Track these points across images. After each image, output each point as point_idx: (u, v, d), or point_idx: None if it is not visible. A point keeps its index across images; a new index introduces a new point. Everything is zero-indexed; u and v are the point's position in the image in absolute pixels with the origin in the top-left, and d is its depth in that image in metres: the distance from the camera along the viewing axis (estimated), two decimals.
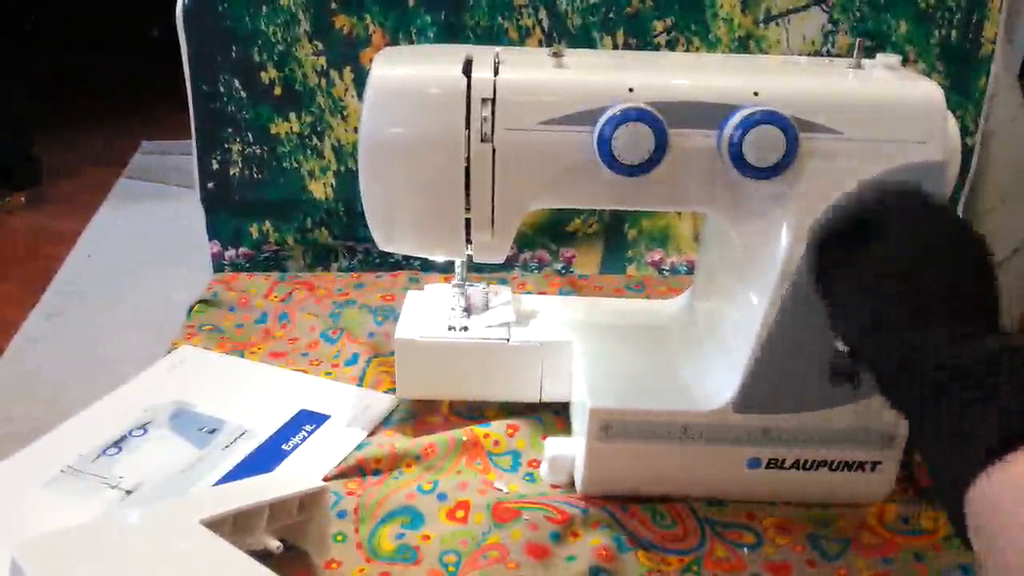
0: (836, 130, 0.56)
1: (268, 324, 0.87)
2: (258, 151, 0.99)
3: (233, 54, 0.95)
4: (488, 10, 0.95)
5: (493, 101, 0.56)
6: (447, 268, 0.98)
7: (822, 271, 0.53)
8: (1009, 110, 1.00)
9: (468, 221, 0.60)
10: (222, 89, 0.96)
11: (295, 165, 1.00)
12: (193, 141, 0.99)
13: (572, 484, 0.65)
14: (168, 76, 1.14)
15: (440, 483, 0.63)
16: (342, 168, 1.00)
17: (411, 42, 0.96)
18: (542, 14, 0.95)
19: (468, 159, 0.57)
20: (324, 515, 0.57)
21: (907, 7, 0.95)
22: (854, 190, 0.54)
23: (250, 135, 0.98)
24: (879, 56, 0.61)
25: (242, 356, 0.81)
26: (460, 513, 0.61)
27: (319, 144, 0.99)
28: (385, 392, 0.75)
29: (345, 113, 0.98)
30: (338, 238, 1.03)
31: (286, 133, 0.98)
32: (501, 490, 0.64)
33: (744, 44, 0.97)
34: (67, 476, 0.64)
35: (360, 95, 0.88)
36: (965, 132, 0.98)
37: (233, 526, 0.51)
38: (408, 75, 0.58)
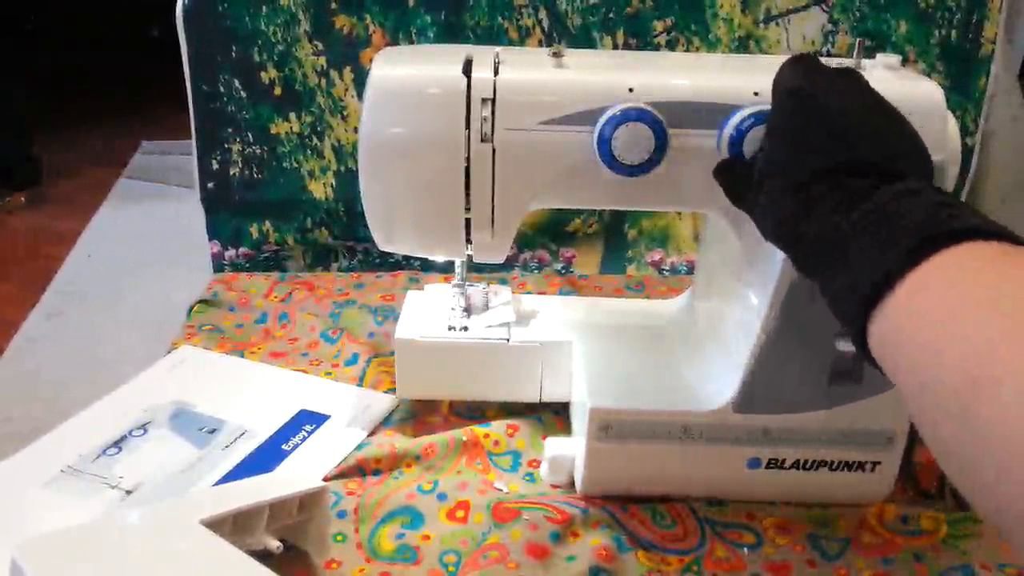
0: None
1: (268, 324, 0.87)
2: (258, 151, 0.99)
3: (233, 54, 0.95)
4: (488, 10, 0.95)
5: (493, 101, 0.56)
6: (447, 268, 0.98)
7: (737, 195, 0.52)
8: (1009, 110, 1.00)
9: (468, 221, 0.60)
10: (222, 89, 0.96)
11: (295, 165, 1.00)
12: (193, 141, 0.99)
13: (572, 484, 0.65)
14: (168, 76, 1.14)
15: (440, 483, 0.63)
16: (342, 168, 1.00)
17: (411, 42, 0.96)
18: (542, 14, 0.95)
19: (468, 159, 0.57)
20: (324, 515, 0.57)
21: (907, 7, 0.95)
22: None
23: (250, 135, 0.98)
24: (879, 56, 0.61)
25: (242, 356, 0.81)
26: (460, 513, 0.61)
27: (319, 144, 0.99)
28: (385, 392, 0.75)
29: (345, 113, 0.98)
30: (338, 238, 1.03)
31: (286, 133, 0.98)
32: (501, 490, 0.64)
33: (744, 44, 0.97)
34: (67, 476, 0.64)
35: (360, 95, 0.88)
36: (965, 132, 0.98)
37: (233, 526, 0.51)
38: (408, 75, 0.58)
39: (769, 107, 0.51)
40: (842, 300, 0.40)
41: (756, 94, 0.55)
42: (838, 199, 0.42)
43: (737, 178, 0.52)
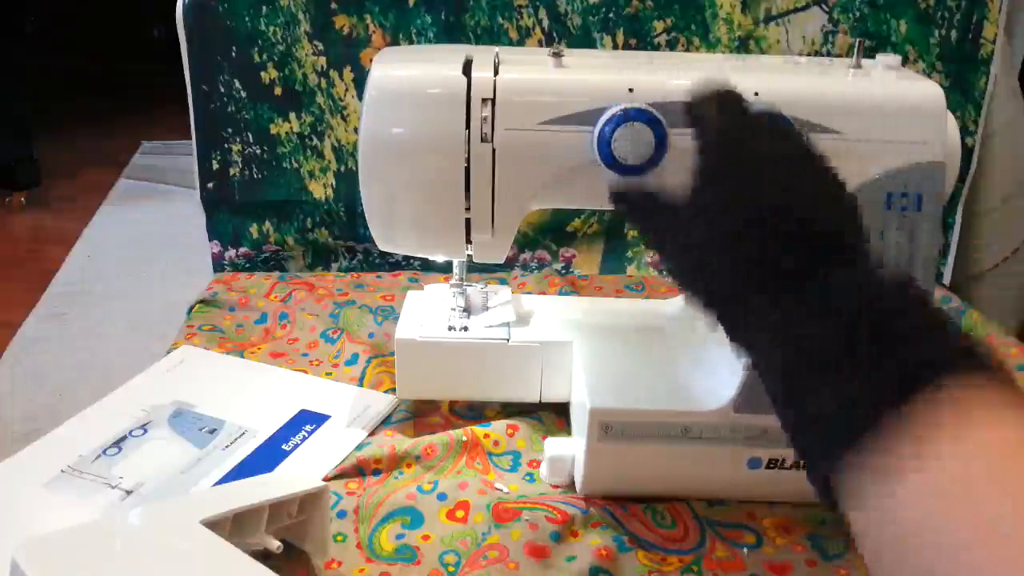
0: (836, 130, 0.56)
1: (268, 324, 0.87)
2: (258, 151, 0.99)
3: (233, 54, 0.95)
4: (488, 10, 0.95)
5: (493, 101, 0.56)
6: (447, 268, 0.98)
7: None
8: (1009, 111, 1.00)
9: (468, 221, 0.60)
10: (222, 89, 0.96)
11: (295, 165, 1.00)
12: (193, 141, 0.99)
13: (572, 484, 0.65)
14: (168, 76, 1.15)
15: (440, 483, 0.63)
16: (342, 168, 1.00)
17: (411, 42, 0.96)
18: (542, 14, 0.95)
19: (468, 159, 0.57)
20: (324, 515, 0.57)
21: (907, 7, 0.95)
22: None
23: (250, 135, 0.98)
24: (879, 56, 0.61)
25: (242, 356, 0.81)
26: (460, 513, 0.61)
27: (319, 144, 0.99)
28: (385, 392, 0.75)
29: (345, 113, 0.98)
30: (338, 238, 1.03)
31: (286, 133, 0.98)
32: (501, 490, 0.64)
33: (744, 44, 0.97)
34: (67, 476, 0.64)
35: (360, 95, 0.88)
36: (965, 132, 0.98)
37: (233, 526, 0.51)
38: (408, 75, 0.58)
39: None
40: (800, 427, 0.34)
41: (756, 94, 0.55)
42: (780, 276, 0.37)
43: (645, 208, 0.48)
